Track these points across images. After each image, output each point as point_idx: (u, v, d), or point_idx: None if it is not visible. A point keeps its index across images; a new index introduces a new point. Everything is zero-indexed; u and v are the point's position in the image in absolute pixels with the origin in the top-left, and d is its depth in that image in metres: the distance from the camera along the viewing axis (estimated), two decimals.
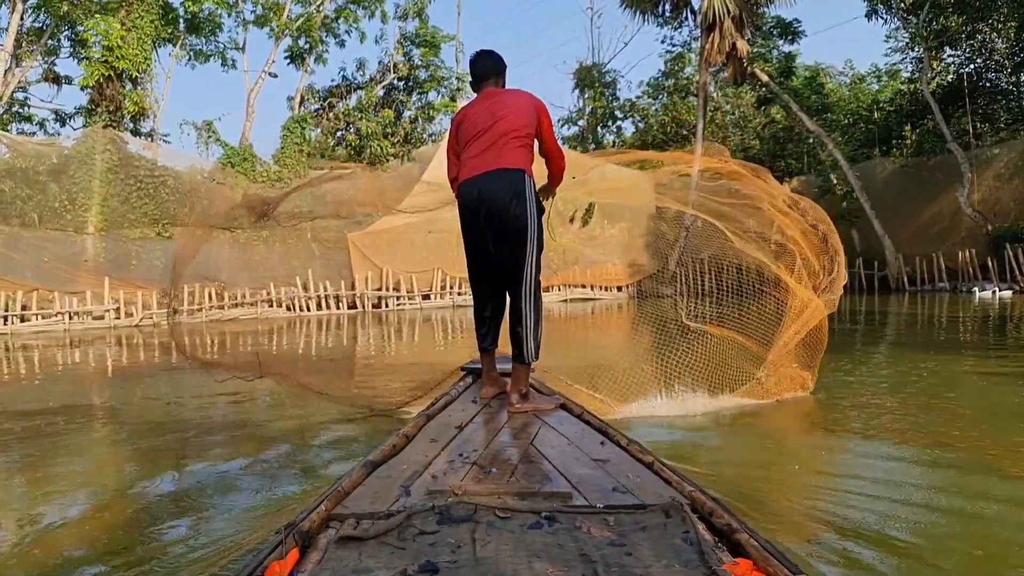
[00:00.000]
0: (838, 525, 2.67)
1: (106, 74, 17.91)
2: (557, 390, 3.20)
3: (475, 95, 3.22)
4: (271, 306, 18.37)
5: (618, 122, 31.13)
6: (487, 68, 3.19)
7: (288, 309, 18.57)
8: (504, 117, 2.95)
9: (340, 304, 19.34)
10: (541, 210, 2.98)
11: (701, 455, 3.87)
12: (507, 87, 3.21)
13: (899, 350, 8.72)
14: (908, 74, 26.50)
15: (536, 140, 3.07)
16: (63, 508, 3.20)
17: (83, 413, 5.75)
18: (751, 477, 3.45)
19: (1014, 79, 23.14)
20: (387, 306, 19.87)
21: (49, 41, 20.73)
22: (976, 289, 19.37)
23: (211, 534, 2.75)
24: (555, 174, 3.26)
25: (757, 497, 3.06)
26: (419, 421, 2.54)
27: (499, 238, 2.90)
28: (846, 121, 27.28)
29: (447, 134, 3.32)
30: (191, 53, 22.39)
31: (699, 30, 23.81)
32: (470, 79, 3.27)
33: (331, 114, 23.50)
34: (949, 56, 24.42)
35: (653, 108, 30.74)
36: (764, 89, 24.55)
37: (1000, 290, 18.75)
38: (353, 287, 19.65)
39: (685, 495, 1.63)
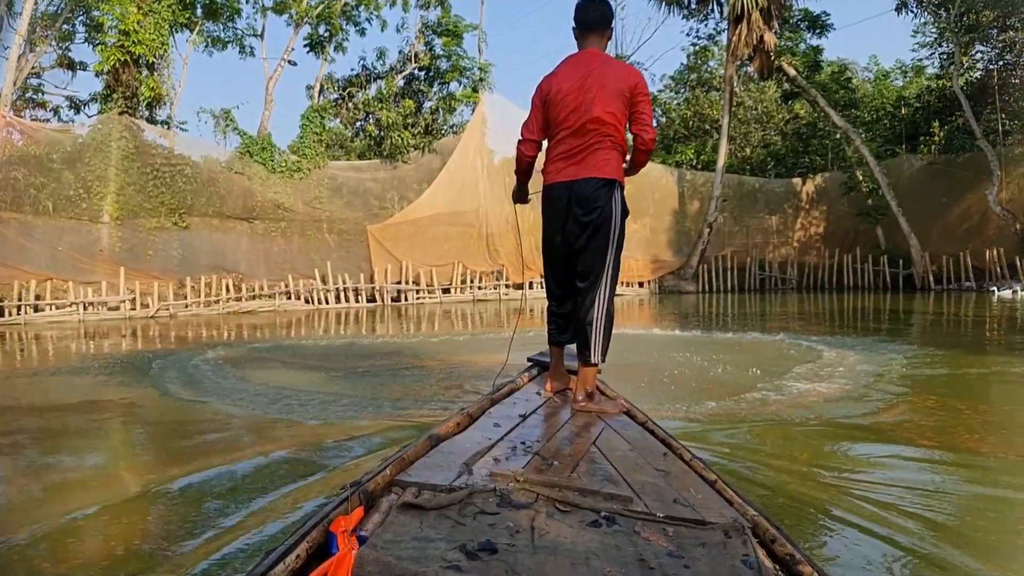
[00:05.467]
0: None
1: (122, 59, 17.38)
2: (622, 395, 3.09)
3: (576, 43, 2.92)
4: (289, 298, 18.04)
5: None
6: (596, 17, 2.89)
7: (307, 302, 18.22)
8: (600, 112, 2.75)
9: (359, 297, 19.00)
10: (626, 213, 2.87)
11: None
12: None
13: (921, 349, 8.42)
14: (935, 70, 26.02)
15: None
16: (80, 508, 3.03)
17: (99, 408, 5.46)
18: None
19: None
20: (406, 299, 19.52)
21: (64, 26, 20.33)
22: (995, 288, 18.99)
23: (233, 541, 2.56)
24: (638, 162, 2.97)
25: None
26: (483, 404, 2.56)
27: (584, 235, 2.83)
28: (870, 118, 26.80)
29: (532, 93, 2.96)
30: (209, 39, 21.92)
31: (725, 22, 23.35)
32: (574, 25, 2.91)
33: (351, 104, 23.02)
34: (978, 52, 23.92)
35: (675, 102, 30.28)
36: (790, 83, 24.07)
37: (1021, 290, 18.35)
38: (372, 280, 19.28)
39: (748, 518, 1.58)
